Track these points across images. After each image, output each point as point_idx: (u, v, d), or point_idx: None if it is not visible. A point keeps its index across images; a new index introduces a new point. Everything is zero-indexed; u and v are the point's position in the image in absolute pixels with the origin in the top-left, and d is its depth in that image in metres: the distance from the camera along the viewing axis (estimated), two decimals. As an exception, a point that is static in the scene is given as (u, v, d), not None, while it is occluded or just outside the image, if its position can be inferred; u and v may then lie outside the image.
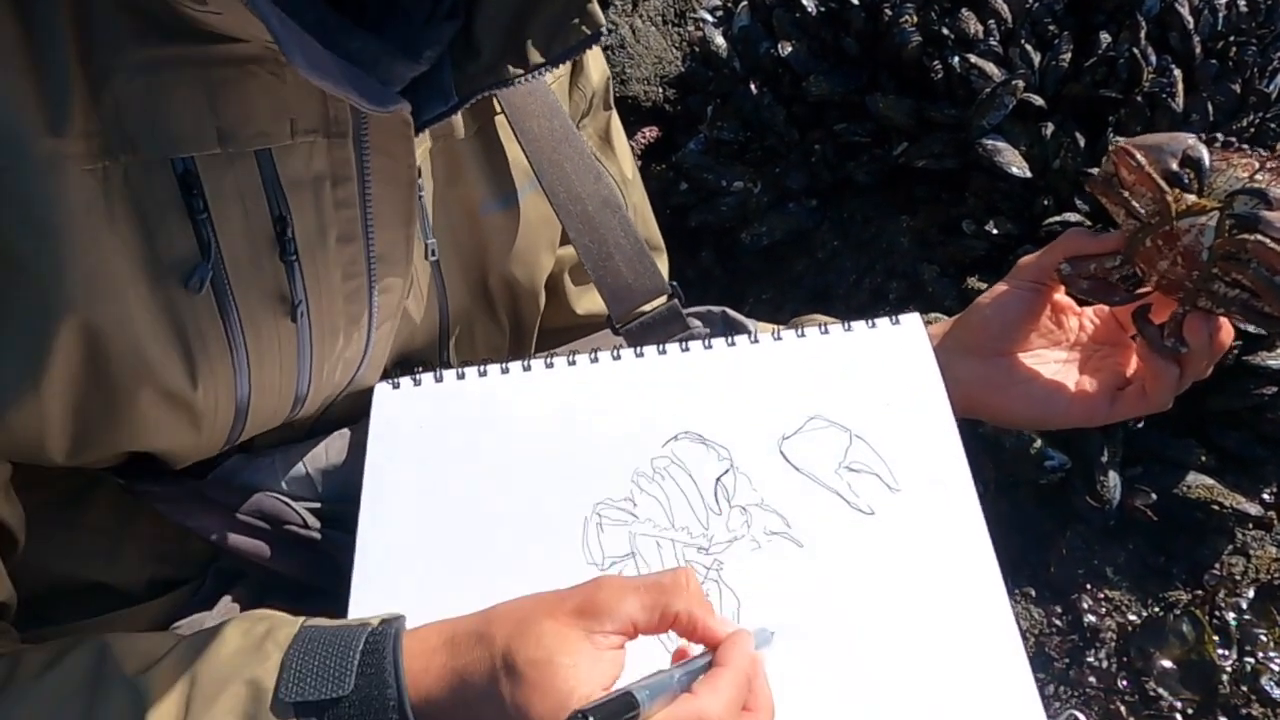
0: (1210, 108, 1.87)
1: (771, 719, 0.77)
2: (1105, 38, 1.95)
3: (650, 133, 2.41)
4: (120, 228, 0.77)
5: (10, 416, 0.80)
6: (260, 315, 0.87)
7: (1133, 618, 1.78)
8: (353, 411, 1.05)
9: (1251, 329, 1.67)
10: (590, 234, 1.12)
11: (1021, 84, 1.90)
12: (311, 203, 0.86)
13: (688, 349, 1.06)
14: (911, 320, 1.07)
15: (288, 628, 0.79)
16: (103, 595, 1.02)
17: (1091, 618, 1.78)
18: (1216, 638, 1.72)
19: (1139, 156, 0.99)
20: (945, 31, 2.00)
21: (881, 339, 1.06)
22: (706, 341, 1.06)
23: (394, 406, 1.03)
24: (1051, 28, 2.01)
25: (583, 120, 1.22)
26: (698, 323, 1.20)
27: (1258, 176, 0.95)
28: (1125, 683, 1.72)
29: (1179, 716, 1.67)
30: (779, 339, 1.06)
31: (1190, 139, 0.99)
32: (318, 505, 1.04)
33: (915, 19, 2.04)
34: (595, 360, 1.05)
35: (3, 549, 0.91)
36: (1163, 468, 1.83)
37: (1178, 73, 1.89)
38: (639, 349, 1.06)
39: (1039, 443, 1.79)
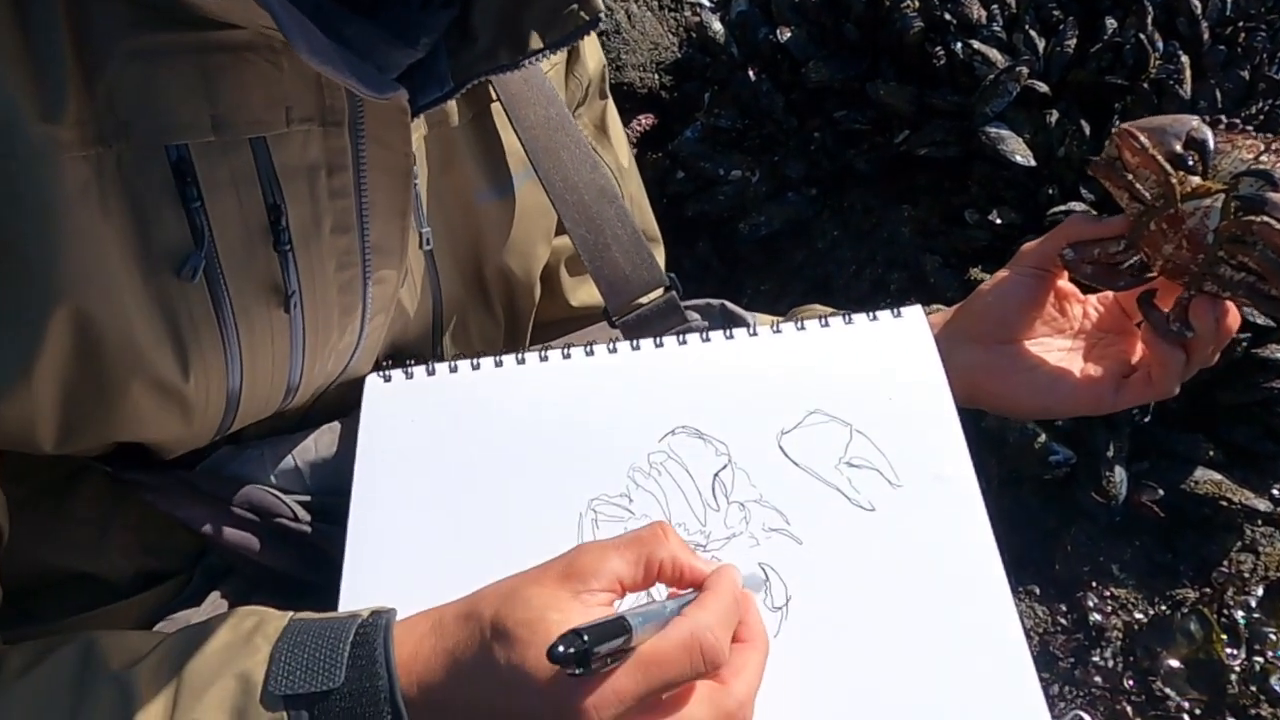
0: (1219, 94, 1.88)
1: (766, 650, 0.79)
2: (1111, 23, 1.96)
3: (646, 120, 2.41)
4: (113, 216, 0.78)
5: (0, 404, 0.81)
6: (253, 305, 0.88)
7: (1139, 616, 1.79)
8: (344, 401, 1.06)
9: (1258, 313, 1.68)
10: (587, 224, 1.13)
11: (1025, 70, 1.91)
12: (306, 192, 0.87)
13: (685, 342, 1.06)
14: (913, 313, 1.07)
15: (277, 621, 0.80)
16: (88, 587, 1.02)
17: (1097, 616, 1.79)
18: (1225, 636, 1.73)
19: (1142, 139, 1.00)
20: (947, 17, 2.00)
21: (883, 332, 1.06)
22: (704, 334, 1.06)
23: (385, 399, 1.03)
24: (1056, 13, 2.01)
25: (579, 109, 1.22)
26: (696, 316, 1.20)
27: (1263, 158, 0.96)
28: (1131, 682, 1.73)
29: (1186, 717, 1.68)
30: (778, 332, 1.06)
31: (1194, 121, 1.00)
32: (307, 498, 1.05)
33: (917, 4, 2.05)
34: (591, 353, 1.05)
35: None
36: (1170, 463, 1.84)
37: (1185, 59, 1.90)
38: (635, 342, 1.06)
39: (1043, 437, 1.79)
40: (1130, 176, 1.01)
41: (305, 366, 0.96)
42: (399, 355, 1.10)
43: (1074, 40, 1.96)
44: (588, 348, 1.05)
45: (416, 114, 0.92)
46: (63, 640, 0.80)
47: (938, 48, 2.01)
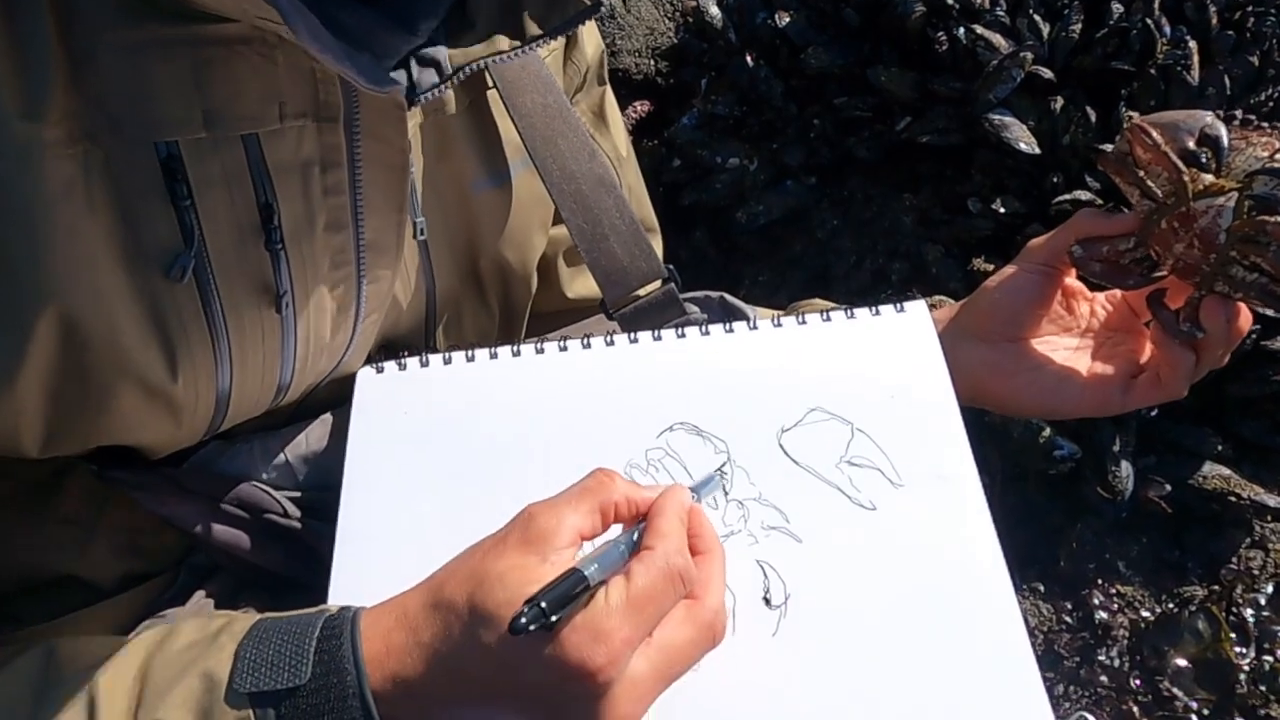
0: (1227, 81, 1.88)
1: (722, 554, 0.83)
2: (1117, 8, 1.96)
3: (641, 107, 2.41)
4: (100, 214, 0.78)
5: None
6: (244, 306, 0.88)
7: (1146, 614, 1.79)
8: (336, 396, 1.06)
9: (1271, 314, 1.68)
10: (584, 214, 1.13)
11: (1030, 56, 1.91)
12: (299, 190, 0.87)
13: (684, 335, 1.06)
14: (917, 308, 1.07)
15: (244, 621, 0.80)
16: (72, 589, 1.02)
17: (1103, 614, 1.79)
18: (1234, 635, 1.73)
19: (1155, 134, 1.00)
20: (950, 1, 2.00)
21: (885, 327, 1.06)
22: (704, 328, 1.06)
23: (377, 393, 1.03)
24: (1061, -3, 2.01)
25: (576, 96, 1.23)
26: (694, 308, 1.20)
27: (1278, 156, 0.96)
28: (1138, 682, 1.73)
29: (1194, 717, 1.69)
30: (779, 326, 1.06)
31: (1208, 116, 1.00)
32: (298, 494, 1.05)
33: (919, -12, 2.05)
34: (587, 346, 1.05)
35: None
36: (1178, 457, 1.84)
37: (1193, 44, 1.90)
38: (633, 335, 1.06)
39: (1048, 432, 1.80)
40: (1142, 173, 1.01)
41: (297, 366, 0.96)
42: (391, 348, 1.10)
43: (1079, 25, 1.96)
44: (585, 341, 1.05)
45: (414, 103, 0.92)
46: (25, 647, 0.80)
47: (940, 33, 2.01)
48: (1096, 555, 1.84)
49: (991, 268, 1.85)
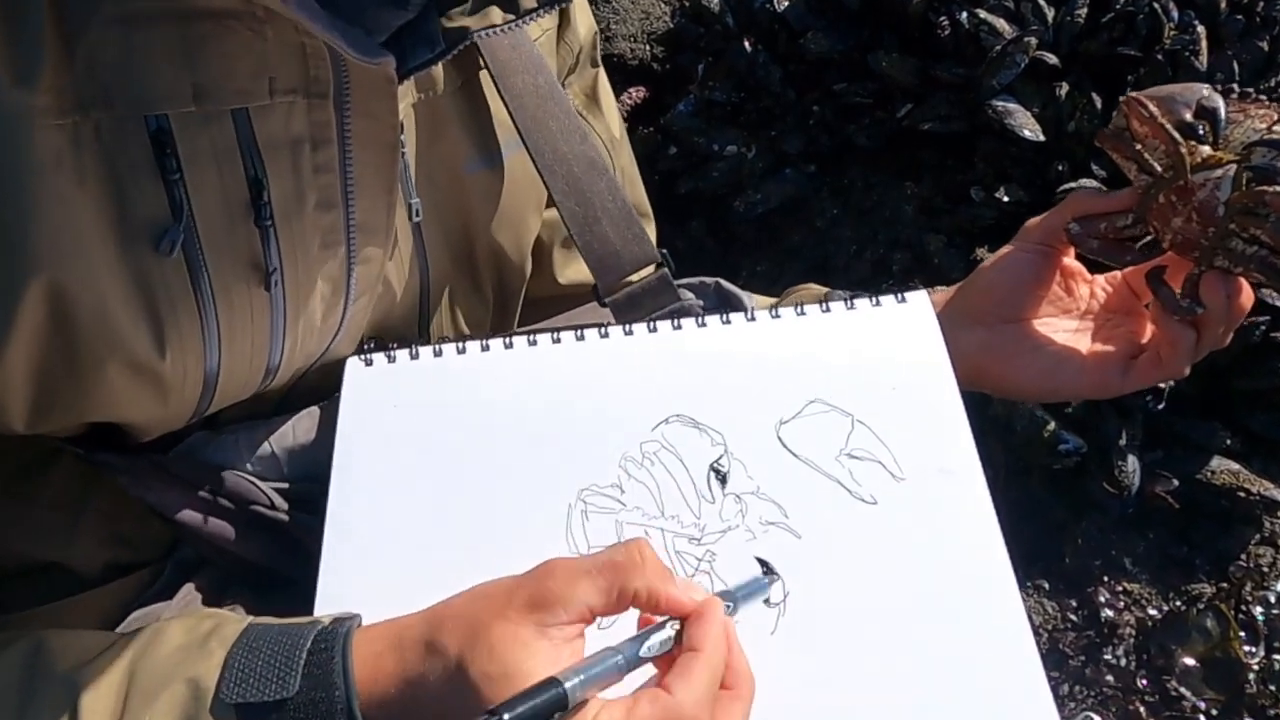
0: (1236, 66, 1.89)
1: (752, 692, 0.78)
2: (1124, -9, 1.96)
3: (637, 93, 2.41)
4: (89, 186, 0.79)
5: None
6: (233, 282, 0.88)
7: (1153, 612, 1.80)
8: (324, 383, 1.06)
9: (1272, 290, 1.68)
10: (576, 197, 1.13)
11: (1034, 41, 1.92)
12: (289, 167, 0.87)
13: (680, 326, 1.06)
14: (918, 298, 1.07)
15: (234, 625, 0.80)
16: (57, 577, 1.03)
17: (1109, 612, 1.80)
18: (1243, 633, 1.74)
19: (1151, 107, 1.00)
20: (952, -15, 2.00)
21: (886, 318, 1.06)
22: (700, 318, 1.06)
23: (366, 385, 1.03)
24: (1066, -20, 2.01)
25: (569, 78, 1.23)
26: (690, 295, 1.20)
27: (1276, 127, 0.96)
28: (1145, 681, 1.73)
29: (1202, 717, 1.69)
30: (777, 316, 1.06)
31: (1205, 89, 1.01)
32: (285, 486, 1.05)
33: (920, -29, 2.05)
34: (581, 338, 1.05)
35: None
36: (1185, 452, 1.85)
37: (1201, 29, 1.91)
38: (628, 326, 1.06)
39: (1053, 425, 1.80)
40: (1139, 146, 1.02)
41: (285, 347, 0.96)
42: (383, 336, 1.10)
43: (1085, 9, 1.96)
44: (578, 332, 1.05)
45: (405, 77, 0.92)
46: (12, 639, 0.81)
47: (942, 17, 2.01)
48: (1102, 552, 1.84)
49: (995, 258, 1.86)
